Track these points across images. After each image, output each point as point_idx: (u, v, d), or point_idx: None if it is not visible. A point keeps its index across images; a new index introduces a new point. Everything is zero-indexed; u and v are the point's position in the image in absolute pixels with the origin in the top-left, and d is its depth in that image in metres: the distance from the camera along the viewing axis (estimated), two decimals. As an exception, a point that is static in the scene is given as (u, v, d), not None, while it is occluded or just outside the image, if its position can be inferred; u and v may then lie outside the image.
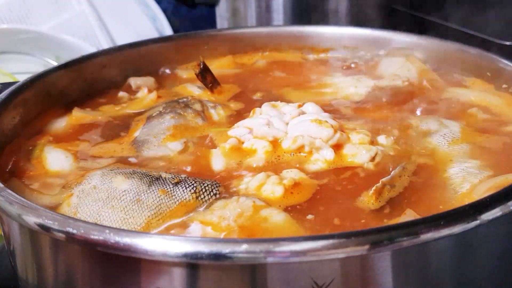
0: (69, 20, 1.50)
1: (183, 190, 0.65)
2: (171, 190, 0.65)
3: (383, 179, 0.66)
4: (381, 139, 0.76)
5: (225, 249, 0.49)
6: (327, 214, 0.63)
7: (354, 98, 0.93)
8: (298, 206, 0.64)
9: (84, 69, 0.97)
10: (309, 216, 0.62)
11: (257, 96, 0.95)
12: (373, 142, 0.75)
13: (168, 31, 1.64)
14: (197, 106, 0.87)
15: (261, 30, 1.16)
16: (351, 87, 0.96)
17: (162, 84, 1.02)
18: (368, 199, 0.64)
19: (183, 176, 0.68)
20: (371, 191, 0.64)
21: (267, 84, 1.01)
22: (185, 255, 0.50)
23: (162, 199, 0.64)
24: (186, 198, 0.65)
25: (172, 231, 0.61)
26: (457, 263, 0.56)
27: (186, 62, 1.07)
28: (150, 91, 0.97)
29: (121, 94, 0.97)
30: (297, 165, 0.71)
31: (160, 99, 0.94)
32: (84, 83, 0.97)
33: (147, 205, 0.63)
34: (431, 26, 1.28)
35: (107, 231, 0.52)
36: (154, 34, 1.58)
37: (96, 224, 0.58)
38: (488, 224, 0.53)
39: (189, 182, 0.67)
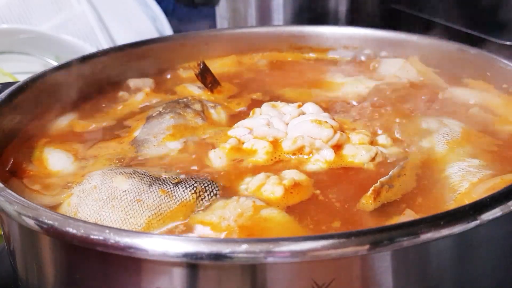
0: (69, 20, 1.49)
1: (184, 190, 0.65)
2: (171, 190, 0.65)
3: (382, 179, 0.66)
4: (381, 139, 0.76)
5: (225, 249, 0.49)
6: (327, 214, 0.63)
7: (354, 98, 0.93)
8: (298, 206, 0.64)
9: (84, 69, 0.97)
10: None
11: (257, 96, 0.95)
12: (372, 142, 0.75)
13: (168, 31, 1.64)
14: (197, 106, 0.87)
15: (261, 30, 1.16)
16: (351, 87, 0.96)
17: (162, 84, 1.02)
18: (367, 199, 0.64)
19: (183, 176, 0.68)
20: (370, 192, 0.64)
21: (267, 84, 1.01)
22: (185, 255, 0.50)
23: (162, 199, 0.64)
24: (186, 198, 0.65)
25: (172, 231, 0.61)
26: (457, 263, 0.56)
27: (186, 62, 1.07)
28: (152, 91, 0.97)
29: (121, 94, 0.97)
30: (297, 166, 0.71)
31: (157, 99, 0.94)
32: (84, 83, 0.97)
33: (147, 205, 0.63)
34: (431, 26, 1.28)
35: (107, 231, 0.52)
36: (154, 34, 1.58)
37: (96, 224, 0.58)
38: (488, 224, 0.53)
39: (189, 182, 0.67)
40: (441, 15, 1.27)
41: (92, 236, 0.52)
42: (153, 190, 0.65)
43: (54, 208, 0.66)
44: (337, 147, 0.73)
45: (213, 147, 0.76)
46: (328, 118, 0.76)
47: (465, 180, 0.67)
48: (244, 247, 0.49)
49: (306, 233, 0.60)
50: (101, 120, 0.89)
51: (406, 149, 0.75)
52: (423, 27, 1.29)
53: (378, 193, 0.64)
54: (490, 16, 1.16)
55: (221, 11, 1.52)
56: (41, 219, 0.55)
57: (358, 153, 0.72)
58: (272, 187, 0.66)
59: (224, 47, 1.11)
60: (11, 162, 0.77)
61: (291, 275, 0.51)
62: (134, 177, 0.67)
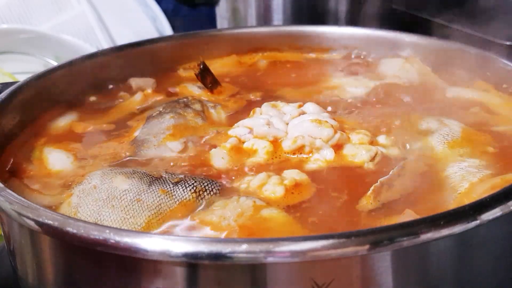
0: (69, 20, 1.49)
1: (183, 190, 0.65)
2: (171, 190, 0.65)
3: (381, 179, 0.66)
4: (381, 139, 0.76)
5: (225, 249, 0.49)
6: (327, 214, 0.63)
7: (354, 98, 0.93)
8: (298, 206, 0.64)
9: (84, 69, 0.97)
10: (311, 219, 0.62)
11: (257, 96, 0.95)
12: (372, 142, 0.75)
13: (168, 31, 1.64)
14: (197, 106, 0.87)
15: (261, 30, 1.16)
16: (351, 87, 0.96)
17: (162, 84, 1.02)
18: (366, 199, 0.64)
19: (183, 175, 0.68)
20: (370, 191, 0.64)
21: (267, 84, 1.01)
22: (185, 255, 0.50)
23: (162, 198, 0.64)
24: (186, 198, 0.65)
25: (172, 231, 0.61)
26: (457, 263, 0.56)
27: (186, 62, 1.07)
28: (152, 91, 0.97)
29: (121, 94, 0.97)
30: (298, 165, 0.71)
31: (157, 99, 0.94)
32: (84, 83, 0.97)
33: (147, 205, 0.63)
34: (431, 26, 1.28)
35: (107, 231, 0.52)
36: (154, 34, 1.58)
37: (96, 224, 0.58)
38: (488, 224, 0.53)
39: (189, 182, 0.67)
40: (441, 15, 1.27)
41: (92, 236, 0.52)
42: (153, 190, 0.65)
43: (54, 208, 0.66)
44: (337, 147, 0.73)
45: (214, 147, 0.76)
46: (328, 117, 0.76)
47: (465, 180, 0.67)
48: (244, 247, 0.49)
49: (306, 233, 0.60)
50: (101, 120, 0.89)
51: (406, 149, 0.75)
52: (423, 27, 1.29)
53: (378, 192, 0.64)
54: (490, 16, 1.16)
55: (221, 11, 1.52)
56: (41, 219, 0.55)
57: (358, 152, 0.72)
58: (274, 187, 0.66)
59: (224, 47, 1.11)
60: (11, 162, 0.77)
61: (291, 275, 0.51)
62: (134, 177, 0.67)
